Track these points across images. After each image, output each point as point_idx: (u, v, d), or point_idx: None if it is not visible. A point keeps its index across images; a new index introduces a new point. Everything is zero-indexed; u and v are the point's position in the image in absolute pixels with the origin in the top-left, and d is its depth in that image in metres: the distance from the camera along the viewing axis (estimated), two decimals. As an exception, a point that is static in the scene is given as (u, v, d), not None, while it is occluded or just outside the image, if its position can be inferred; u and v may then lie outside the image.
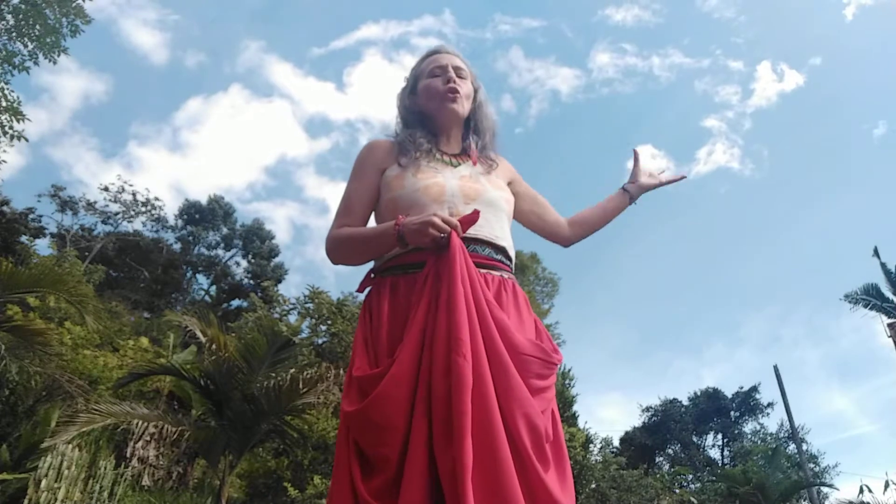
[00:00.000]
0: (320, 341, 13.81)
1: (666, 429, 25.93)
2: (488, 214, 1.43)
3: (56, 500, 5.64)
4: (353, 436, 1.25)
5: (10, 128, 10.42)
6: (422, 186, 1.44)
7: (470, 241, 1.38)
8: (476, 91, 1.66)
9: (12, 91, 10.42)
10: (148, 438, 8.26)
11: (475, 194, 1.46)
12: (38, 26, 10.32)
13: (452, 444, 1.07)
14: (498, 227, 1.47)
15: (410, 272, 1.37)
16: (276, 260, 27.75)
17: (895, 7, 39.10)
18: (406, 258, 1.39)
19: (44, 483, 5.65)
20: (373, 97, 45.29)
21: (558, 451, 1.26)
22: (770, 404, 26.09)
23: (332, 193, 44.51)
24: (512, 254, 1.50)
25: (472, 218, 1.31)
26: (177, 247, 26.58)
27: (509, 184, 1.65)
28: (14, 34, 10.40)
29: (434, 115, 1.60)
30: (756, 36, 44.14)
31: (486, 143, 1.63)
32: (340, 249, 1.50)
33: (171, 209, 25.53)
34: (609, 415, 40.66)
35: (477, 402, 1.10)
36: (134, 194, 23.07)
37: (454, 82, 1.57)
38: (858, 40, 45.89)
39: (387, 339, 1.31)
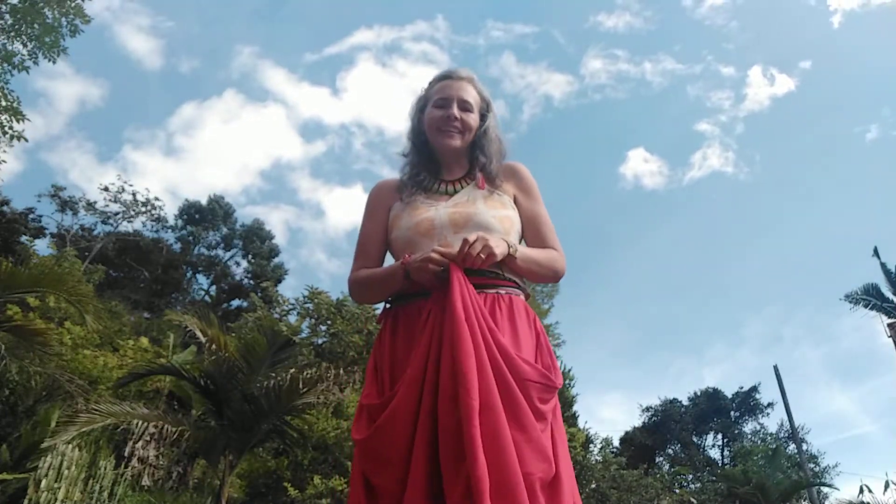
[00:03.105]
0: (320, 341, 13.81)
1: (666, 429, 25.94)
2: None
3: (56, 500, 5.64)
4: (360, 463, 1.31)
5: (10, 128, 10.42)
6: (413, 224, 1.52)
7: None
8: (484, 117, 1.66)
9: (12, 91, 10.42)
10: (148, 438, 8.26)
11: (465, 220, 1.48)
12: (36, 25, 10.31)
13: (465, 467, 1.10)
14: None
15: (411, 300, 1.44)
16: (276, 260, 27.77)
17: (879, 14, 39.65)
18: (408, 289, 1.45)
19: (44, 483, 5.65)
20: (366, 101, 45.35)
21: (559, 474, 1.26)
22: (770, 404, 26.13)
23: (327, 197, 44.68)
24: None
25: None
26: (177, 247, 26.58)
27: (516, 198, 1.62)
28: (13, 34, 10.40)
29: (435, 145, 1.66)
30: (746, 42, 44.50)
31: (489, 167, 1.63)
32: (360, 291, 1.60)
33: (168, 212, 25.51)
34: (609, 415, 40.72)
35: (487, 430, 1.12)
36: (134, 194, 23.06)
37: (454, 119, 1.61)
38: (846, 46, 46.36)
39: (390, 368, 1.39)
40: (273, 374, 6.88)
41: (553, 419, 1.31)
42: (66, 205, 22.25)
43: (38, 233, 20.40)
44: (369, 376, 1.43)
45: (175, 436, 6.96)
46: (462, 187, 1.60)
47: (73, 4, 10.50)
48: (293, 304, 15.34)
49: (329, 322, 13.90)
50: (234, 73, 42.13)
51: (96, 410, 6.27)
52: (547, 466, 1.19)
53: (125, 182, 23.15)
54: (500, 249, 1.36)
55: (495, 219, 1.50)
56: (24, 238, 17.05)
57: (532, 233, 1.59)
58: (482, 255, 1.31)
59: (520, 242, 1.57)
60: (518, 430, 1.16)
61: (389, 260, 1.63)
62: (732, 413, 26.80)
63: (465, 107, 1.62)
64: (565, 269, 1.57)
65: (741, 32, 43.94)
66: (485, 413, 1.13)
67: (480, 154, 1.63)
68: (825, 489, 17.88)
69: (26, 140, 10.74)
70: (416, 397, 1.23)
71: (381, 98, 46.90)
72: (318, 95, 45.09)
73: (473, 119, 1.64)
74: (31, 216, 20.21)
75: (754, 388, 26.52)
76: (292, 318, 14.85)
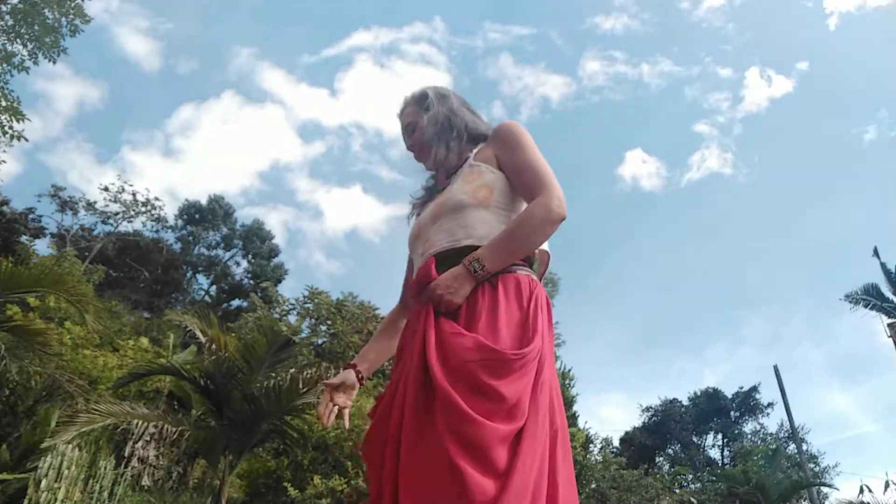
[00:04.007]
0: (320, 341, 13.81)
1: (666, 429, 25.94)
2: (449, 222, 1.46)
3: (56, 500, 5.64)
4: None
5: (10, 128, 10.42)
6: (410, 233, 1.63)
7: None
8: (429, 116, 1.65)
9: (12, 91, 10.42)
10: (148, 438, 8.27)
11: (439, 210, 1.50)
12: (36, 26, 10.32)
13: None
14: (459, 229, 1.44)
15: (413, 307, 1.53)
16: (276, 260, 27.78)
17: (875, 17, 39.83)
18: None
19: (44, 483, 5.65)
20: (365, 102, 45.35)
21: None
22: (770, 404, 26.14)
23: (326, 198, 44.69)
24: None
25: (420, 275, 1.41)
26: (177, 247, 26.59)
27: (498, 158, 1.53)
28: (13, 34, 10.40)
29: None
30: (744, 43, 44.57)
31: (450, 151, 1.62)
32: None
33: (168, 212, 25.52)
34: (609, 415, 40.67)
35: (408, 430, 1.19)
36: (134, 194, 23.05)
37: (410, 148, 1.71)
38: (843, 48, 46.51)
39: (396, 363, 1.49)
40: (273, 374, 6.88)
41: (534, 385, 1.23)
42: (66, 205, 22.25)
43: (38, 233, 20.40)
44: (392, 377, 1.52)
45: (175, 436, 6.97)
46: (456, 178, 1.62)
47: (73, 4, 10.50)
48: (293, 304, 15.35)
49: (329, 322, 13.90)
50: (232, 75, 42.17)
51: (96, 410, 6.27)
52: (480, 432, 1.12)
53: (125, 182, 23.15)
54: (459, 294, 1.33)
55: (468, 194, 1.45)
56: (24, 238, 17.05)
57: (518, 185, 1.48)
58: (443, 307, 1.33)
59: (510, 199, 1.48)
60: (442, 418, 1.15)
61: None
62: (732, 413, 26.80)
63: (409, 131, 1.70)
64: (551, 212, 1.37)
65: (738, 34, 44.02)
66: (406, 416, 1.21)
67: (436, 150, 1.63)
68: (825, 489, 17.89)
69: (26, 140, 10.75)
70: (389, 408, 1.30)
71: (379, 99, 46.91)
72: (317, 96, 45.11)
73: (420, 130, 1.67)
74: (31, 216, 20.21)
75: (754, 388, 26.53)
76: (292, 318, 14.86)
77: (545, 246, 1.50)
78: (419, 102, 1.69)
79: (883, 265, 15.87)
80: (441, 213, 1.49)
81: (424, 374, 1.22)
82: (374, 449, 1.30)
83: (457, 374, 1.17)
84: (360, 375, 1.68)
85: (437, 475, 1.08)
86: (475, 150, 1.60)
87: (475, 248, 1.39)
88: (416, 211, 1.71)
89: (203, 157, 42.03)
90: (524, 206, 1.47)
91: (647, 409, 27.31)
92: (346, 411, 1.68)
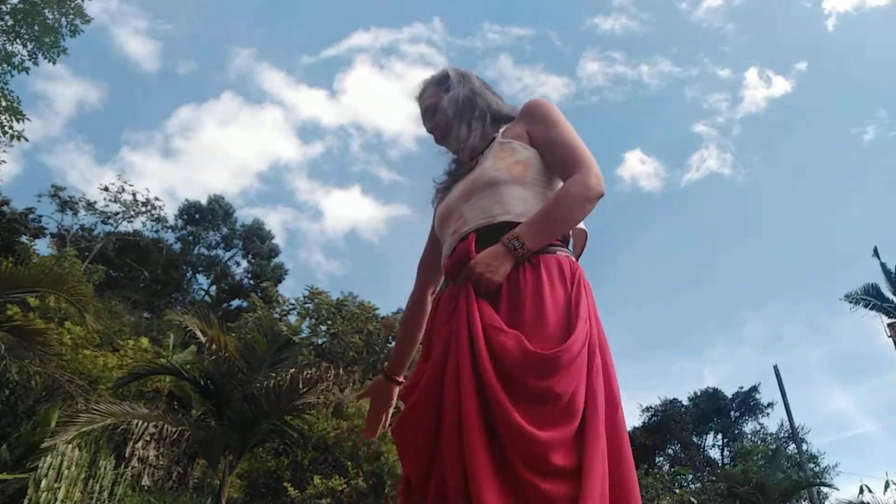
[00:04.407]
0: (320, 341, 13.82)
1: (666, 429, 25.93)
2: (484, 198, 1.41)
3: (56, 500, 5.64)
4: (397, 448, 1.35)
5: (10, 128, 10.42)
6: (438, 213, 1.56)
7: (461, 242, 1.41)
8: (449, 96, 1.63)
9: (11, 91, 10.42)
10: (148, 438, 8.27)
11: (471, 187, 1.45)
12: (36, 26, 10.32)
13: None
14: (495, 205, 1.39)
15: (447, 287, 1.46)
16: (276, 260, 27.78)
17: (873, 17, 40.00)
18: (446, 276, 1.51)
19: (44, 483, 5.65)
20: (364, 103, 45.36)
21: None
22: (770, 404, 26.12)
23: (325, 198, 44.74)
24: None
25: (459, 252, 1.35)
26: (177, 247, 26.59)
27: (530, 135, 1.49)
28: (13, 35, 10.40)
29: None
30: (742, 44, 44.67)
31: (473, 131, 1.58)
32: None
33: (167, 212, 25.52)
34: (609, 415, 40.55)
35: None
36: (134, 194, 23.06)
37: (431, 132, 1.67)
38: (841, 48, 46.71)
39: (426, 354, 1.42)
40: (273, 374, 6.88)
41: (585, 378, 1.20)
42: (66, 205, 22.25)
43: (38, 233, 20.41)
44: (419, 361, 1.45)
45: (175, 436, 6.96)
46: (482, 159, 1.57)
47: (73, 5, 10.50)
48: (293, 304, 15.36)
49: (329, 322, 13.91)
50: (231, 76, 42.23)
51: (96, 410, 6.27)
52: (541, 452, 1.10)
53: (125, 182, 23.15)
54: (499, 273, 1.28)
55: (502, 170, 1.41)
56: (24, 238, 17.05)
57: (552, 161, 1.43)
58: (483, 286, 1.27)
59: (547, 176, 1.44)
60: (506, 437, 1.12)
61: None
62: (732, 413, 26.79)
63: (429, 113, 1.66)
64: (589, 189, 1.34)
65: (737, 35, 44.14)
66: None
67: (457, 129, 1.60)
68: (825, 489, 17.89)
69: (26, 140, 10.75)
70: (437, 387, 1.22)
71: (378, 100, 46.97)
72: (316, 97, 45.19)
73: (440, 110, 1.63)
74: (31, 216, 20.21)
75: (754, 388, 26.52)
76: (292, 318, 14.87)
77: (582, 224, 1.45)
78: (440, 83, 1.66)
79: (883, 265, 15.88)
80: (475, 190, 1.43)
81: (476, 373, 1.17)
82: (414, 435, 1.25)
83: (506, 380, 1.15)
84: (391, 376, 1.70)
85: (507, 483, 1.08)
86: (501, 130, 1.56)
87: (513, 224, 1.34)
88: (439, 195, 1.65)
89: (202, 158, 42.12)
90: (559, 184, 1.45)
91: (647, 408, 27.30)
92: (385, 415, 1.73)
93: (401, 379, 1.69)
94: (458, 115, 1.59)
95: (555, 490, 1.06)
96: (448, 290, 1.42)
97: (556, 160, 1.42)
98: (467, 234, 1.38)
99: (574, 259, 1.40)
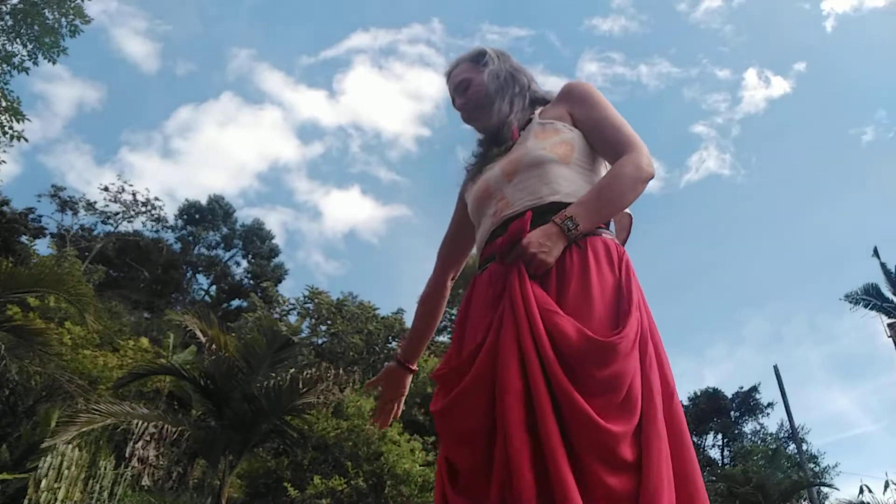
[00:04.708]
0: (320, 341, 13.82)
1: (666, 429, 25.90)
2: (529, 178, 1.37)
3: (56, 500, 5.64)
4: (442, 442, 1.26)
5: (10, 128, 10.42)
6: (474, 192, 1.49)
7: (507, 224, 1.34)
8: (491, 70, 1.57)
9: (11, 91, 10.42)
10: (148, 438, 8.27)
11: (513, 167, 1.40)
12: (36, 26, 10.32)
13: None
14: (542, 185, 1.35)
15: (485, 267, 1.39)
16: (276, 260, 27.79)
17: (872, 18, 40.06)
18: (482, 257, 1.44)
19: (44, 483, 5.65)
20: (363, 104, 45.36)
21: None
22: (770, 404, 26.11)
23: (324, 199, 44.74)
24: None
25: (513, 231, 1.26)
26: (177, 247, 26.59)
27: (573, 116, 1.45)
28: (13, 34, 10.40)
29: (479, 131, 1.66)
30: (741, 45, 44.72)
31: (514, 107, 1.53)
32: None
33: (167, 212, 25.53)
34: (609, 414, 40.61)
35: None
36: (134, 194, 23.06)
37: (460, 109, 1.61)
38: (840, 49, 46.79)
39: (459, 338, 1.34)
40: (273, 374, 6.89)
41: (641, 363, 1.16)
42: (66, 205, 22.24)
43: (38, 233, 20.40)
44: (451, 346, 1.39)
45: (175, 436, 6.96)
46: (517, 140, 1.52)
47: (72, 5, 10.50)
48: (293, 304, 15.36)
49: (329, 322, 13.91)
50: (230, 76, 42.26)
51: (96, 410, 6.27)
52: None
53: (125, 182, 23.15)
54: (552, 254, 1.23)
55: (546, 150, 1.37)
56: (24, 238, 17.04)
57: (598, 142, 1.41)
58: (534, 268, 1.22)
59: (591, 158, 1.41)
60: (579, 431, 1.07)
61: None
62: (732, 413, 26.79)
63: (461, 89, 1.59)
64: (641, 170, 1.32)
65: (736, 36, 44.19)
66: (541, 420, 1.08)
67: (499, 105, 1.53)
68: (825, 489, 17.89)
69: (26, 140, 10.75)
70: (490, 373, 1.16)
71: (378, 100, 46.95)
72: (315, 98, 45.14)
73: (475, 85, 1.57)
74: (31, 216, 20.19)
75: (754, 388, 26.52)
76: (292, 318, 14.88)
77: (627, 209, 1.41)
78: (475, 60, 1.61)
79: (883, 265, 15.88)
80: (518, 170, 1.38)
81: (539, 360, 1.12)
82: (467, 421, 1.18)
83: (567, 367, 1.10)
84: (404, 364, 1.64)
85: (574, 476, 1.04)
86: (537, 111, 1.52)
87: (562, 204, 1.30)
88: (469, 177, 1.58)
89: (201, 159, 42.12)
90: (604, 166, 1.42)
91: (647, 409, 27.28)
92: (398, 403, 1.67)
93: (414, 367, 1.65)
94: (500, 90, 1.54)
95: (619, 485, 1.03)
96: (487, 273, 1.36)
97: (604, 141, 1.40)
98: (512, 215, 1.34)
99: (620, 244, 1.36)
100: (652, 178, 1.34)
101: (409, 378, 1.67)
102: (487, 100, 1.54)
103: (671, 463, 1.09)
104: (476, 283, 1.39)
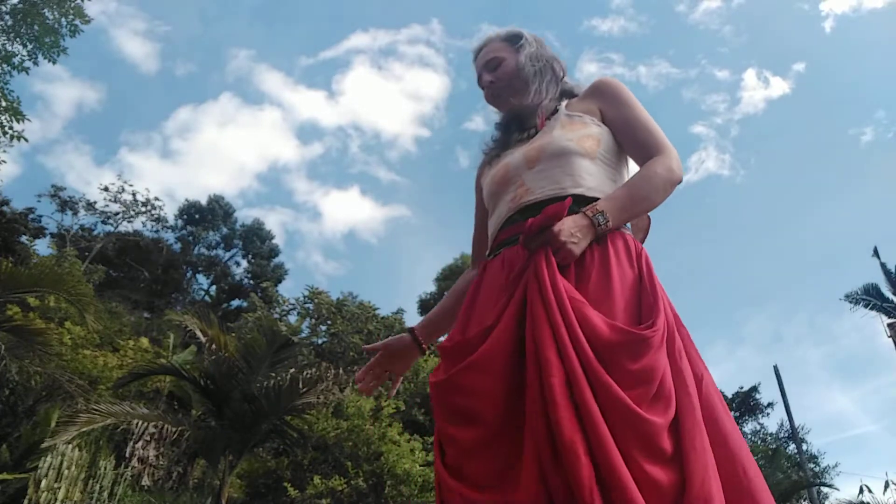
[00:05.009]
0: (320, 341, 13.82)
1: (666, 429, 25.92)
2: (552, 168, 1.34)
3: (56, 500, 5.64)
4: (437, 418, 1.20)
5: (10, 128, 10.42)
6: (492, 176, 1.46)
7: (525, 211, 1.32)
8: (529, 53, 1.55)
9: (11, 91, 10.42)
10: (148, 438, 8.26)
11: (537, 154, 1.38)
12: (36, 26, 10.32)
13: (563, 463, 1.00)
14: (565, 176, 1.33)
15: (497, 253, 1.36)
16: (276, 260, 27.79)
17: (870, 19, 40.08)
18: (494, 242, 1.40)
19: (44, 483, 5.65)
20: (363, 104, 45.38)
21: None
22: (770, 404, 26.08)
23: (324, 199, 44.76)
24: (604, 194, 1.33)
25: (548, 214, 1.21)
26: (177, 247, 26.59)
27: (603, 112, 1.44)
28: (13, 34, 10.40)
29: (501, 112, 1.63)
30: (740, 45, 44.75)
31: (548, 94, 1.52)
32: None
33: (167, 212, 25.53)
34: (609, 414, 40.66)
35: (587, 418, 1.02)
36: (134, 194, 23.07)
37: (486, 87, 1.57)
38: (839, 50, 46.82)
39: (465, 319, 1.30)
40: (273, 374, 6.88)
41: (671, 361, 1.15)
42: (66, 205, 22.25)
43: (38, 233, 20.40)
44: (455, 325, 1.34)
45: (175, 436, 6.96)
46: (540, 129, 1.50)
47: (72, 5, 10.50)
48: (293, 304, 15.36)
49: (329, 322, 13.91)
50: (230, 77, 42.27)
51: (96, 410, 6.27)
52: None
53: (125, 182, 23.16)
54: (580, 246, 1.20)
55: (573, 141, 1.36)
56: (24, 238, 17.05)
57: (628, 141, 1.40)
58: (561, 256, 1.18)
59: (616, 155, 1.41)
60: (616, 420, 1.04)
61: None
62: (732, 413, 26.79)
63: (491, 67, 1.57)
64: (672, 172, 1.32)
65: (735, 36, 44.26)
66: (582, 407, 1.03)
67: (535, 89, 1.51)
68: (825, 489, 17.89)
69: (26, 140, 10.75)
70: (507, 357, 1.11)
71: (377, 101, 46.97)
72: (315, 98, 45.20)
73: (508, 66, 1.55)
74: (31, 216, 20.20)
75: (754, 388, 26.50)
76: (292, 318, 14.87)
77: None
78: (509, 40, 1.59)
79: (883, 265, 15.89)
80: (541, 158, 1.36)
81: (575, 350, 1.08)
82: (473, 400, 1.12)
83: (600, 358, 1.07)
84: (418, 338, 1.54)
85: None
86: (563, 104, 1.50)
87: (584, 198, 1.29)
88: (486, 160, 1.56)
89: (201, 159, 42.16)
90: (627, 165, 1.42)
91: (647, 409, 27.30)
92: (398, 378, 1.58)
93: (425, 346, 1.58)
94: (537, 75, 1.53)
95: (663, 477, 1.01)
96: (499, 258, 1.33)
97: (635, 141, 1.39)
98: (532, 202, 1.32)
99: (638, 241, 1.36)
100: (681, 181, 1.34)
101: (413, 357, 1.60)
102: (521, 82, 1.52)
103: (715, 450, 1.07)
104: (487, 268, 1.36)
